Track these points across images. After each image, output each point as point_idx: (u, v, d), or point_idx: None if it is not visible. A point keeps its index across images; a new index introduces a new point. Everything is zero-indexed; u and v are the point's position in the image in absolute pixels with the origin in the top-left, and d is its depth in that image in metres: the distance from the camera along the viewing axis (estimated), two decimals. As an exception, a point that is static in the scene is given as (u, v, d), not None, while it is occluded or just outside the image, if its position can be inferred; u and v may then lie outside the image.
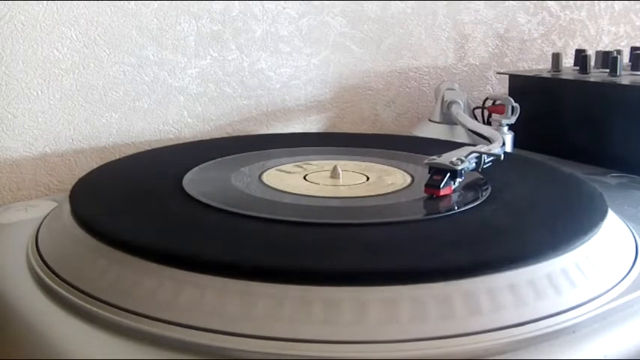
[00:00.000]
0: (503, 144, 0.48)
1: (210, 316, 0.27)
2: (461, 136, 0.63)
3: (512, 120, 0.60)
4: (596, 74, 0.63)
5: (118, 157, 0.55)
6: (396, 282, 0.27)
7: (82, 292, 0.30)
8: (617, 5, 0.90)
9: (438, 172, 0.39)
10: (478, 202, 0.37)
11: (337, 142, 0.56)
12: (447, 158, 0.40)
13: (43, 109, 0.54)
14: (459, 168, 0.39)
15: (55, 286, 0.31)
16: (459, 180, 0.39)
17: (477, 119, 0.66)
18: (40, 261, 0.34)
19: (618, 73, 0.60)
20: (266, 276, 0.28)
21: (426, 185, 0.39)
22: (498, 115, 0.61)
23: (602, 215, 0.36)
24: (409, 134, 0.68)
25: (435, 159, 0.40)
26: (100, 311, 0.28)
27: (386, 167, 0.47)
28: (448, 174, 0.39)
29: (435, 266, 0.29)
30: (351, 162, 0.48)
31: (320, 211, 0.37)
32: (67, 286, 0.31)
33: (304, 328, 0.26)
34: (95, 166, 0.49)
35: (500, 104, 0.61)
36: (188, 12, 0.59)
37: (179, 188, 0.40)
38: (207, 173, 0.45)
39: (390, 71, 0.73)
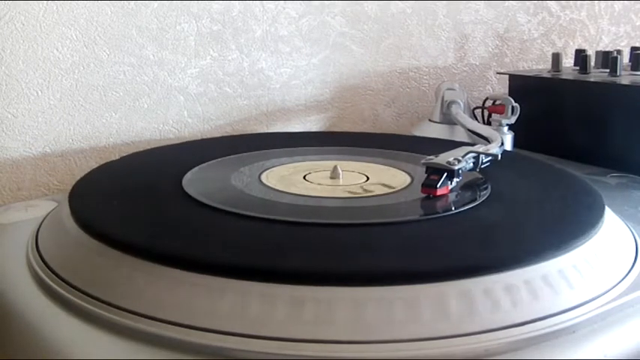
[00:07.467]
0: (502, 144, 0.48)
1: (209, 315, 0.27)
2: (461, 136, 0.63)
3: (512, 120, 0.60)
4: (596, 74, 0.63)
5: (118, 157, 0.55)
6: (395, 282, 0.27)
7: (82, 291, 0.30)
8: (617, 5, 0.90)
9: (435, 172, 0.39)
10: (477, 203, 0.37)
11: (337, 142, 0.56)
12: (444, 158, 0.40)
13: (43, 109, 0.54)
14: (456, 168, 0.39)
15: (55, 286, 0.31)
16: (456, 180, 0.39)
17: (477, 119, 0.66)
18: (40, 261, 0.34)
19: (618, 73, 0.60)
20: (264, 276, 0.28)
21: (423, 185, 0.39)
22: (498, 115, 0.61)
23: (602, 216, 0.36)
24: (409, 134, 0.68)
25: (432, 159, 0.40)
26: (100, 311, 0.28)
27: (386, 167, 0.47)
28: (445, 174, 0.39)
29: (434, 266, 0.29)
30: (351, 162, 0.48)
31: (319, 211, 0.37)
32: (66, 285, 0.31)
33: (302, 327, 0.26)
34: (95, 166, 0.49)
35: (500, 104, 0.61)
36: (188, 12, 0.59)
37: (179, 188, 0.40)
38: (207, 173, 0.45)
39: (390, 71, 0.73)
